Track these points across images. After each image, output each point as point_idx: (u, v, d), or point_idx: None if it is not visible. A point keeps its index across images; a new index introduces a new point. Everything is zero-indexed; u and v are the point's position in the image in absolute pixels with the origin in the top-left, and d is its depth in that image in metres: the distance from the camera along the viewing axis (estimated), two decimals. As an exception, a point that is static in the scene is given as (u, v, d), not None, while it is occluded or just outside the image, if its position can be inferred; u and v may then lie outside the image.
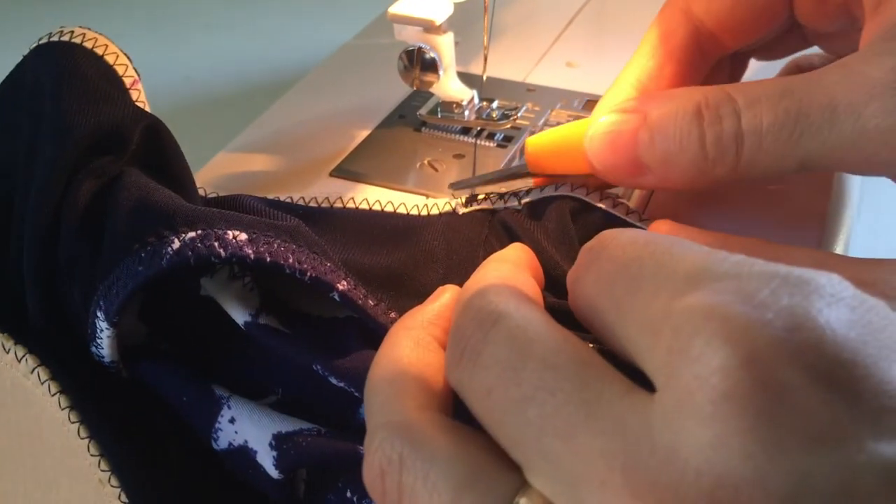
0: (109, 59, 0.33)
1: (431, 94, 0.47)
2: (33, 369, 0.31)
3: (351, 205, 0.38)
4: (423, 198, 0.39)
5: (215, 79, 0.99)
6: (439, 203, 0.37)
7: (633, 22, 0.60)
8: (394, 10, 0.43)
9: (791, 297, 0.17)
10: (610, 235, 0.23)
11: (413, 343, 0.25)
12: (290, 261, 0.28)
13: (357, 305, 0.29)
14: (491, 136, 0.46)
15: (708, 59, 0.37)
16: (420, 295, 0.30)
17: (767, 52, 0.40)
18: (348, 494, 0.30)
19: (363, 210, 0.38)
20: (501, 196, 0.36)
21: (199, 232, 0.28)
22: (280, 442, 0.29)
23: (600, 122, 0.32)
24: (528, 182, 0.36)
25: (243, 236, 0.28)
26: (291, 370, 0.31)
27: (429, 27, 0.42)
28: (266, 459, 0.29)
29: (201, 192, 0.38)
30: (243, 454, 0.30)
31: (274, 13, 1.17)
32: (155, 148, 0.33)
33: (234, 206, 0.35)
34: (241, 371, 0.32)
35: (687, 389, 0.17)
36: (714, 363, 0.17)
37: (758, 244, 0.30)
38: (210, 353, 0.32)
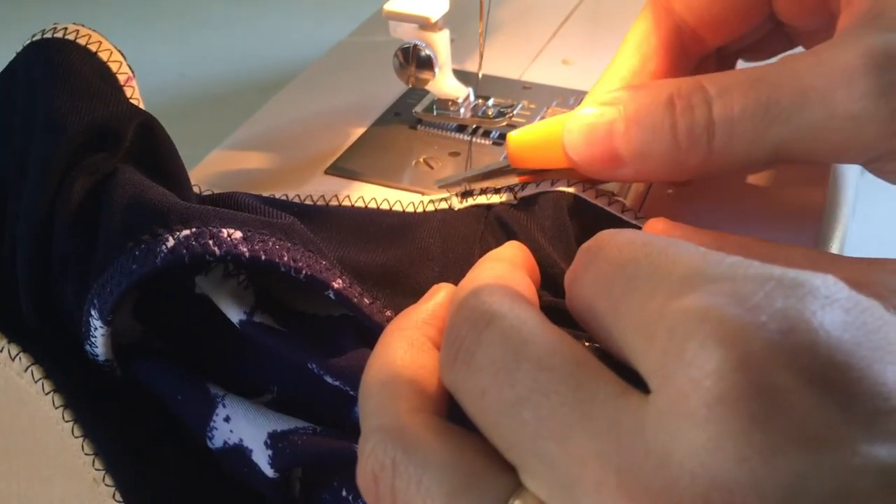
0: (103, 55, 0.33)
1: (427, 92, 0.47)
2: (27, 368, 0.31)
3: (347, 202, 0.38)
4: (419, 195, 0.39)
5: (210, 76, 0.99)
6: (435, 200, 0.37)
7: (628, 19, 0.59)
8: (389, 7, 0.43)
9: (786, 300, 0.17)
10: (607, 236, 0.23)
11: (407, 344, 0.25)
12: (285, 259, 0.28)
13: (352, 304, 0.29)
14: (486, 134, 0.46)
15: (691, 57, 0.38)
16: (416, 293, 0.30)
17: (754, 52, 0.40)
18: (344, 493, 0.30)
19: (359, 208, 0.37)
20: (497, 191, 0.36)
21: (194, 230, 0.28)
22: (275, 441, 0.29)
23: (578, 115, 0.33)
24: (512, 179, 0.37)
25: (238, 234, 0.28)
26: (286, 368, 0.31)
27: (424, 24, 0.42)
28: (261, 458, 0.29)
29: (196, 189, 0.38)
30: (238, 453, 0.29)
31: (269, 10, 1.17)
32: (149, 145, 0.33)
33: (229, 204, 0.35)
34: (236, 369, 0.32)
35: (681, 392, 0.17)
36: (708, 366, 0.17)
37: (754, 243, 0.30)
38: (205, 351, 0.32)
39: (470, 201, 0.36)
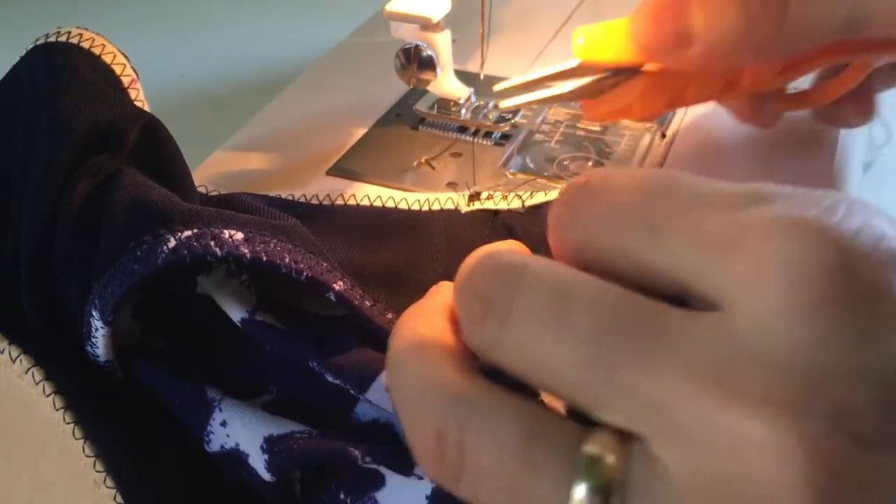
0: (107, 58, 0.33)
1: (427, 91, 0.47)
2: (28, 370, 0.31)
3: (352, 202, 0.38)
4: (424, 194, 0.39)
5: (211, 76, 0.99)
6: (441, 198, 0.37)
7: (630, 19, 0.60)
8: (391, 7, 0.43)
9: (864, 216, 0.18)
10: (602, 174, 0.23)
11: (429, 321, 0.25)
12: (287, 260, 0.28)
13: (353, 306, 0.29)
14: (488, 135, 0.45)
15: None
16: (419, 293, 0.30)
17: None
18: (342, 496, 0.30)
19: (364, 206, 0.37)
20: (505, 196, 0.36)
21: (196, 231, 0.28)
22: (271, 444, 0.29)
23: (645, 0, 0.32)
24: (576, 80, 0.36)
25: (239, 235, 0.28)
26: (286, 368, 0.31)
27: (426, 25, 0.42)
28: (258, 462, 0.29)
29: (202, 189, 0.38)
30: (235, 457, 0.29)
31: (270, 10, 1.17)
32: (152, 147, 0.33)
33: (232, 205, 0.35)
34: (236, 370, 0.31)
35: (781, 296, 0.17)
36: (811, 269, 0.17)
37: None
38: (205, 351, 0.32)
39: (477, 205, 0.36)
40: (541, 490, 0.19)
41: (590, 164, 0.43)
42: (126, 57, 0.34)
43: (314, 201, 0.38)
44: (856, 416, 0.17)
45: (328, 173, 0.44)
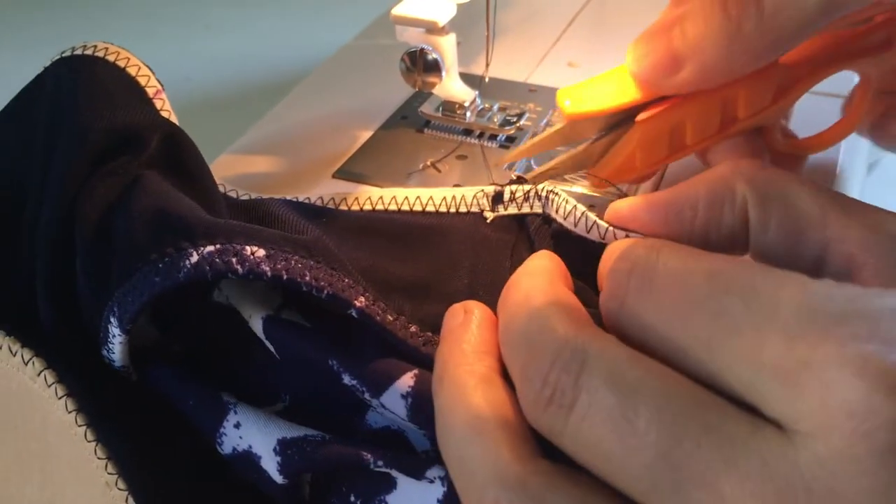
0: (131, 70, 0.34)
1: (431, 93, 0.47)
2: (40, 372, 0.31)
3: (380, 206, 0.37)
4: (451, 190, 0.38)
5: (216, 80, 0.99)
6: (467, 196, 0.36)
7: (634, 21, 0.60)
8: (397, 11, 0.43)
9: None
10: (650, 256, 0.23)
11: (477, 381, 0.25)
12: (307, 278, 0.28)
13: (375, 321, 0.29)
14: (493, 137, 0.46)
15: None
16: (444, 303, 0.30)
17: None
18: (352, 499, 0.30)
19: (388, 212, 0.37)
20: (527, 198, 0.35)
21: (218, 246, 0.28)
22: (284, 447, 0.29)
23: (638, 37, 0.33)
24: (576, 146, 0.36)
25: (261, 252, 0.28)
26: (300, 375, 0.31)
27: (431, 28, 0.43)
28: (270, 465, 0.29)
29: (233, 193, 0.38)
30: (247, 459, 0.30)
31: (275, 14, 1.17)
32: (175, 155, 0.33)
33: (259, 212, 0.35)
34: (250, 377, 0.32)
35: (846, 440, 0.18)
36: (876, 420, 0.18)
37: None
38: (219, 358, 0.32)
39: (501, 210, 0.36)
40: None
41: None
42: (150, 69, 0.34)
43: (343, 206, 0.38)
44: None
45: (334, 176, 0.44)
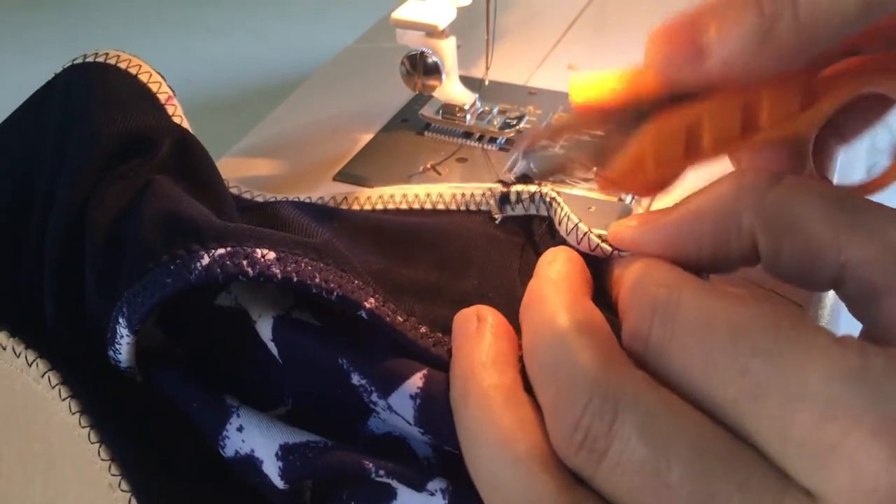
0: (143, 77, 0.34)
1: (431, 96, 0.47)
2: (44, 373, 0.31)
3: (391, 204, 0.38)
4: (460, 186, 0.38)
5: (217, 83, 0.99)
6: (476, 193, 0.36)
7: (634, 24, 0.60)
8: (397, 15, 0.43)
9: None
10: (672, 298, 0.23)
11: (505, 399, 0.25)
12: (317, 280, 0.28)
13: (385, 323, 0.29)
14: (493, 140, 0.46)
15: None
16: (454, 304, 0.30)
17: None
18: None
19: (400, 211, 0.37)
20: (532, 199, 0.35)
21: (229, 249, 0.28)
22: (286, 453, 0.29)
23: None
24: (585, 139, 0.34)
25: (272, 255, 0.29)
26: (307, 377, 0.31)
27: (432, 32, 0.43)
28: (272, 469, 0.29)
29: (248, 195, 0.38)
30: (249, 463, 0.30)
31: (275, 17, 1.17)
32: (185, 160, 0.34)
33: (271, 215, 0.35)
34: (253, 381, 0.32)
35: None
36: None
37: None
38: (223, 362, 0.32)
39: (508, 211, 0.36)
40: None
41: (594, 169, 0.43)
42: (161, 76, 0.35)
43: (356, 207, 0.38)
44: None
45: (335, 179, 0.44)
